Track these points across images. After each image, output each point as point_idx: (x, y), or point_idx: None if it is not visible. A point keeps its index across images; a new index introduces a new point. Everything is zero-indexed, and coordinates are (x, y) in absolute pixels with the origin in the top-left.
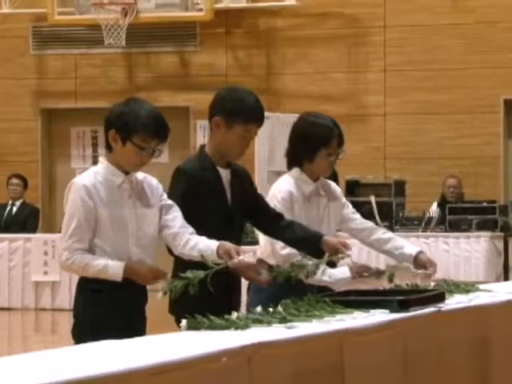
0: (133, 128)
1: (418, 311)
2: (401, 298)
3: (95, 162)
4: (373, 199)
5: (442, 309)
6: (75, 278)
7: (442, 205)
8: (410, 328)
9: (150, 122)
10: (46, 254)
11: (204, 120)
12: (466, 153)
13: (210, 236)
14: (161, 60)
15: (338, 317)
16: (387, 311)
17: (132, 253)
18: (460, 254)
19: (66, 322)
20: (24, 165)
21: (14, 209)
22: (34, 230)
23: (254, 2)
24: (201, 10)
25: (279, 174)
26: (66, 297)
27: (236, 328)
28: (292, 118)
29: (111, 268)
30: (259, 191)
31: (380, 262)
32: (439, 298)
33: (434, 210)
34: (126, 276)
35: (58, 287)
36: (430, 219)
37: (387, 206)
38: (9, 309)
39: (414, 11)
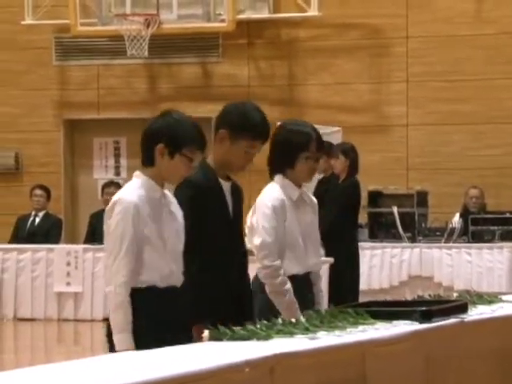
0: (183, 140)
1: (440, 322)
2: (423, 308)
3: (118, 173)
4: (395, 210)
5: (465, 320)
6: (98, 289)
7: (464, 215)
8: (432, 339)
9: (196, 134)
10: (68, 264)
11: None
12: (488, 163)
13: (217, 250)
14: (183, 71)
15: (361, 327)
16: (410, 322)
17: (171, 269)
18: (483, 265)
19: (89, 332)
20: (47, 175)
21: (37, 220)
22: (56, 241)
23: (276, 12)
24: (223, 20)
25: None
26: (89, 308)
27: (258, 339)
28: None
29: (124, 337)
30: None
31: (402, 273)
32: (462, 308)
33: (456, 220)
34: (120, 350)
35: (80, 298)
36: (453, 230)
37: (410, 216)
38: (32, 319)
39: (436, 22)
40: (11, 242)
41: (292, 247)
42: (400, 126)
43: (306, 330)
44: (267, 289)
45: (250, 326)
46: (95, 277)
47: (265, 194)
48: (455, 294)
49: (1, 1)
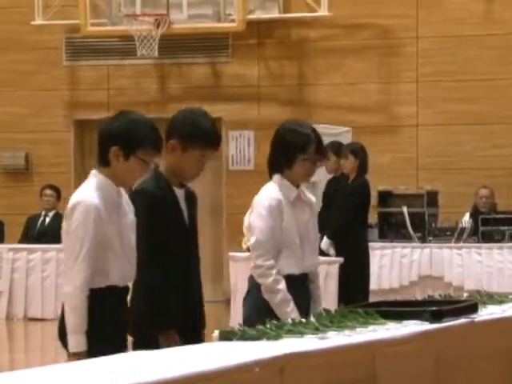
0: (138, 143)
1: (450, 322)
2: (434, 308)
3: None
4: (405, 210)
5: (475, 320)
6: None
7: (474, 215)
8: (442, 339)
9: (152, 137)
10: None
11: (236, 131)
12: (498, 163)
13: (173, 258)
14: (193, 71)
15: (371, 327)
16: (420, 322)
17: (127, 267)
18: (493, 265)
19: None
20: (57, 176)
21: (47, 220)
22: None
23: (286, 12)
24: (233, 20)
25: (311, 184)
26: None
27: (268, 338)
28: (324, 128)
29: (78, 339)
30: None
31: (412, 273)
32: (472, 308)
33: (466, 220)
34: (73, 351)
35: None
36: (463, 230)
37: (420, 216)
38: (42, 319)
39: (446, 22)
40: (21, 241)
41: (289, 247)
42: (410, 126)
43: (316, 330)
44: (262, 288)
45: (260, 326)
46: None
47: (262, 193)
48: (465, 294)
49: (11, 1)
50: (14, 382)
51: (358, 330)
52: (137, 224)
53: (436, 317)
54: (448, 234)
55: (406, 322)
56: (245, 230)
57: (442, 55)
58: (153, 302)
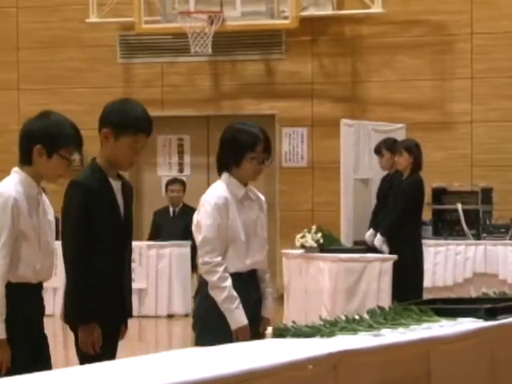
0: (60, 141)
1: (505, 319)
2: (488, 306)
3: (181, 170)
4: (459, 207)
5: None
6: (162, 286)
7: None
8: (497, 336)
9: (73, 135)
10: (132, 261)
11: (289, 128)
12: None
13: (108, 250)
14: (246, 68)
15: (425, 325)
16: (474, 319)
17: (43, 264)
18: None
19: (153, 328)
20: None
21: None
22: None
23: (339, 9)
24: (286, 17)
25: (365, 181)
26: (153, 304)
27: (322, 335)
28: (378, 125)
29: (0, 326)
30: (344, 200)
31: (467, 270)
32: None
33: None
34: None
35: (145, 295)
36: None
37: (474, 213)
38: None
39: (500, 18)
40: None
41: (234, 245)
42: (464, 123)
43: (370, 327)
44: (208, 285)
45: (313, 323)
46: (159, 273)
47: (209, 191)
48: None
49: None
50: (71, 377)
51: (411, 327)
52: (68, 216)
53: (490, 314)
54: (502, 231)
55: (460, 320)
56: (194, 228)
57: (497, 52)
58: (77, 296)
